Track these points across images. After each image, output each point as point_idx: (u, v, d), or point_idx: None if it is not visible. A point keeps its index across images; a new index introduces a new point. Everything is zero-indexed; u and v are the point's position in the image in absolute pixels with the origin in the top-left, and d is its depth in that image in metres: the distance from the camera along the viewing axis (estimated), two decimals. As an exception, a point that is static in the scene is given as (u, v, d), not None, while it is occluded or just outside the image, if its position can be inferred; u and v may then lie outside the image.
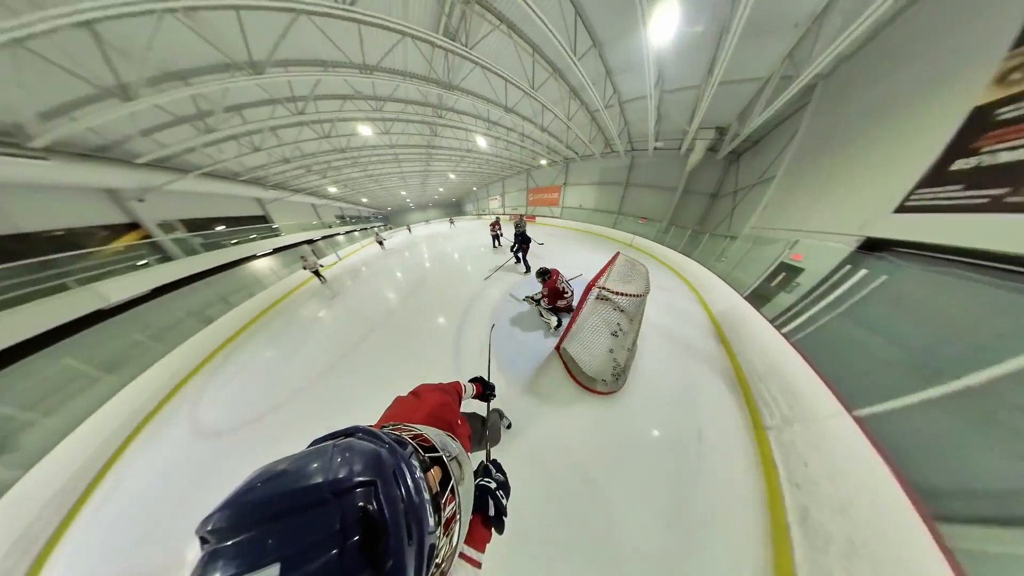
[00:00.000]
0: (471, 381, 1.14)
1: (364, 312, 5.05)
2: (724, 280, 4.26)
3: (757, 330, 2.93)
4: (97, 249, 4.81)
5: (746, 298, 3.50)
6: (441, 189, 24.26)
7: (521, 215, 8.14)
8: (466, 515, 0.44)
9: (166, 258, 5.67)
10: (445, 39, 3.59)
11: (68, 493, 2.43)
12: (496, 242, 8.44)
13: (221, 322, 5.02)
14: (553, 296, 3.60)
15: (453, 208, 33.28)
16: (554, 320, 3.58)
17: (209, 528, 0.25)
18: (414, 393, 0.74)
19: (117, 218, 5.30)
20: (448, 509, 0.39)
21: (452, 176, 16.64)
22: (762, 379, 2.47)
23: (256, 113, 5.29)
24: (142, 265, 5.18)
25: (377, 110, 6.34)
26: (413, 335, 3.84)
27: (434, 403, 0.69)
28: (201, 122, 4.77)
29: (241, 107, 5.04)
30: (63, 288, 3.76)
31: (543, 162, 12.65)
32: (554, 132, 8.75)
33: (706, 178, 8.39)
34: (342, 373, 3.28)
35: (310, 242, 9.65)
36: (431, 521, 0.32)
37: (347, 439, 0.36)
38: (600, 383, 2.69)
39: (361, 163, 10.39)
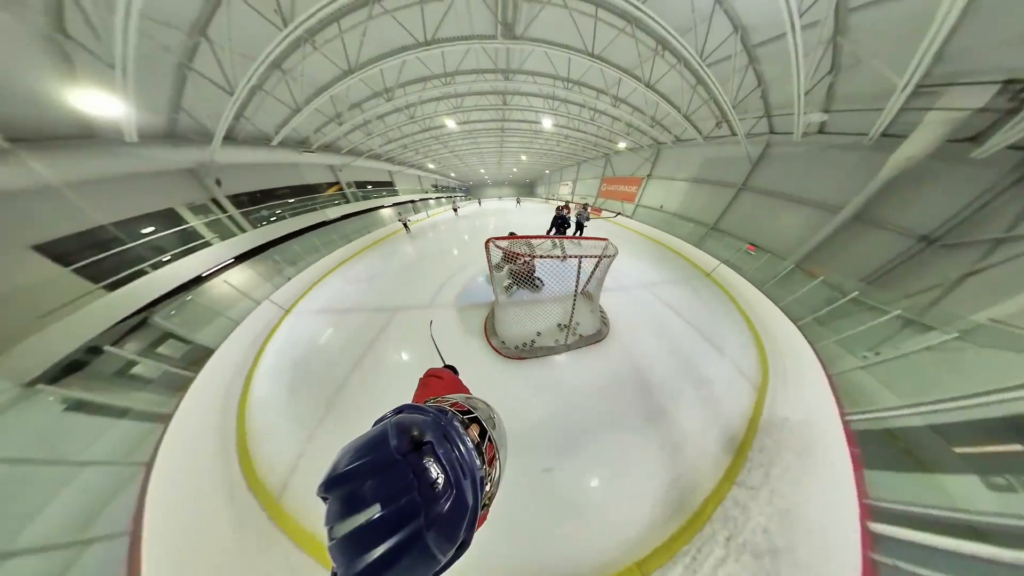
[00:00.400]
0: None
1: (429, 250, 8.39)
2: (831, 376, 2.64)
3: (817, 484, 1.78)
4: (331, 192, 10.01)
5: (848, 425, 2.05)
6: (515, 169, 25.77)
7: (585, 204, 7.77)
8: (503, 452, 0.55)
9: (346, 201, 10.64)
10: (503, 39, 4.45)
11: (303, 286, 6.58)
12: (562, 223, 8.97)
13: (360, 239, 9.44)
14: (508, 257, 3.98)
15: (526, 188, 34.54)
16: (506, 281, 4.08)
17: (324, 492, 0.37)
18: (434, 376, 0.96)
19: (330, 178, 10.35)
20: (488, 452, 0.50)
21: (524, 157, 18.27)
22: (735, 546, 1.57)
23: (390, 119, 8.82)
24: (337, 204, 10.13)
25: (459, 107, 8.91)
26: (451, 267, 6.57)
27: (452, 380, 0.95)
28: (365, 127, 8.63)
29: (383, 116, 8.60)
30: (313, 208, 8.56)
31: (621, 145, 10.99)
32: (636, 104, 7.43)
33: (928, 200, 4.04)
34: (410, 271, 6.60)
35: (412, 202, 14.16)
36: (478, 462, 0.43)
37: (399, 415, 0.46)
38: (498, 340, 3.27)
39: (450, 145, 13.73)
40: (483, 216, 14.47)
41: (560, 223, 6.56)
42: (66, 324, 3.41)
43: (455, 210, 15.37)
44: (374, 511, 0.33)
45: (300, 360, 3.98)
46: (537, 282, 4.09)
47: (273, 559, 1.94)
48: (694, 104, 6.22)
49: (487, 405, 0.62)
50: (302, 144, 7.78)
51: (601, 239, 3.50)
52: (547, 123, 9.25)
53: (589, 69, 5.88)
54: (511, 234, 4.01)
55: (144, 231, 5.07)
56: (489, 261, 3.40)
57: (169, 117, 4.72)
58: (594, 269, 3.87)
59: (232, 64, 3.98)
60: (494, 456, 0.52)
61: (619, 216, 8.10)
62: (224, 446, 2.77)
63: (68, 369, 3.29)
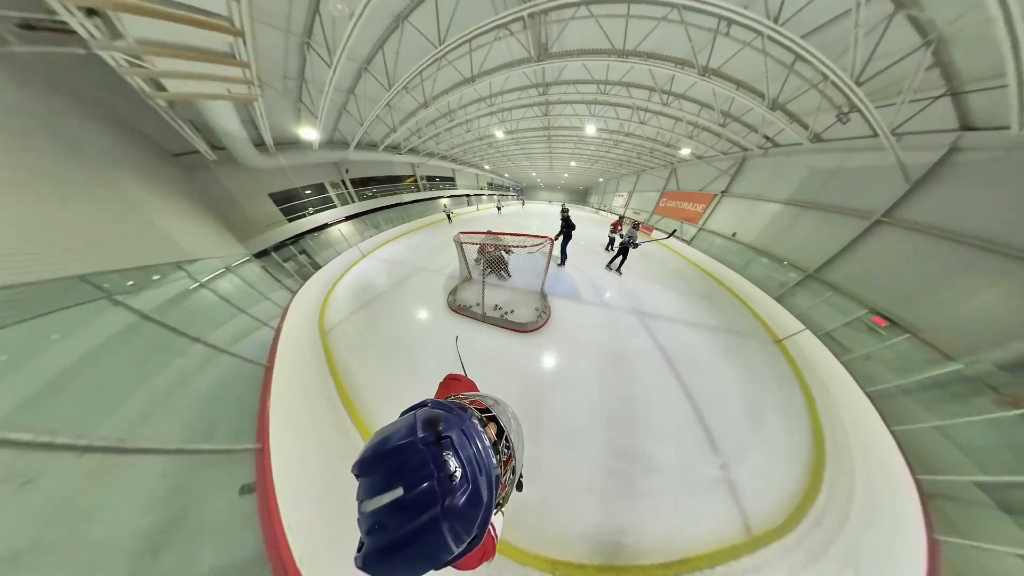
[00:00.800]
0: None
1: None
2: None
3: None
4: (408, 182, 13.74)
5: None
6: (566, 175, 25.71)
7: (636, 223, 6.72)
8: (520, 453, 0.57)
9: (417, 190, 14.29)
10: (536, 60, 5.03)
11: (377, 243, 9.89)
12: (610, 245, 8.33)
13: (420, 220, 12.75)
14: (480, 250, 5.48)
15: (578, 196, 33.32)
16: (482, 265, 5.42)
17: (357, 470, 0.41)
18: (454, 379, 1.04)
19: (409, 172, 14.09)
20: (505, 452, 0.53)
21: (573, 163, 19.30)
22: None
23: (454, 131, 11.72)
24: (410, 192, 13.80)
25: (507, 119, 11.15)
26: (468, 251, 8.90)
27: (468, 383, 1.02)
28: (436, 137, 11.76)
29: (448, 129, 11.55)
30: (396, 192, 12.24)
31: (685, 152, 9.29)
32: (701, 99, 6.19)
33: None
34: (440, 248, 9.53)
35: (467, 196, 17.25)
36: (494, 460, 0.46)
37: (424, 409, 0.49)
38: (451, 297, 4.87)
39: (502, 151, 16.19)
40: (522, 217, 16.30)
41: (565, 225, 6.97)
42: (270, 233, 7.03)
43: (498, 209, 17.74)
44: (397, 493, 0.36)
45: (362, 281, 6.87)
46: (503, 273, 5.55)
47: (319, 360, 4.23)
48: (792, 90, 4.40)
49: (504, 405, 0.63)
50: (395, 149, 11.33)
51: (545, 237, 4.27)
52: (590, 129, 9.31)
53: (631, 68, 5.30)
54: (488, 231, 5.10)
55: (307, 193, 8.99)
56: (459, 251, 5.09)
57: (331, 134, 8.37)
58: (547, 267, 4.69)
59: (363, 106, 7.08)
60: (510, 458, 0.55)
61: (674, 235, 6.65)
62: (316, 307, 5.61)
63: (263, 254, 6.81)
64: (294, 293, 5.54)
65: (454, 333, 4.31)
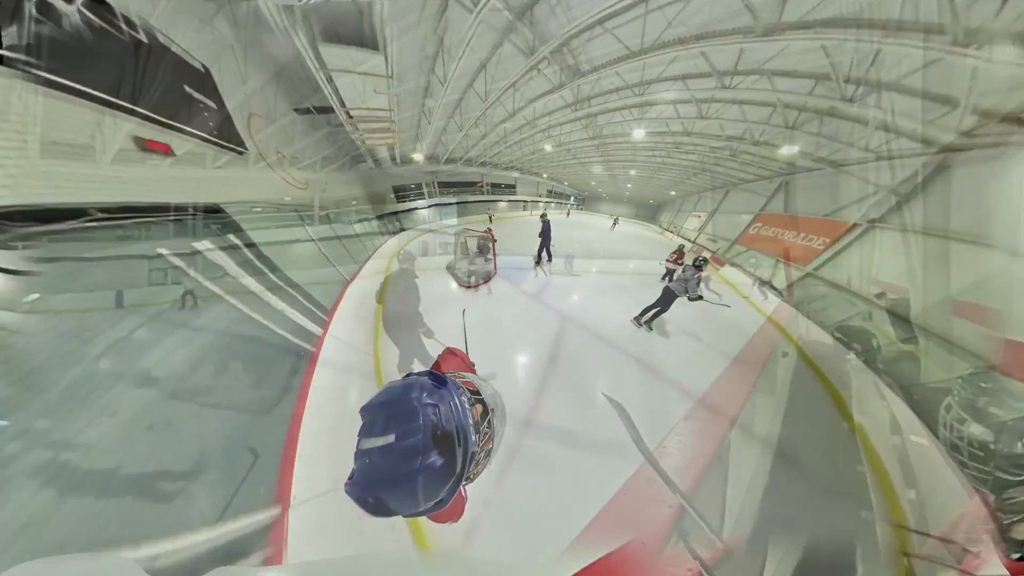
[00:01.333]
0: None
1: (496, 233, 14.69)
2: None
3: None
4: (476, 187, 18.58)
5: None
6: (629, 185, 23.70)
7: (702, 259, 4.63)
8: (499, 436, 0.64)
9: (483, 194, 18.89)
10: (560, 86, 5.75)
11: (441, 226, 14.63)
12: (668, 277, 6.99)
13: (473, 216, 17.12)
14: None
15: (648, 211, 28.78)
16: (475, 249, 7.72)
17: (362, 413, 0.49)
18: (452, 353, 1.15)
19: (478, 178, 18.77)
20: (485, 433, 0.60)
21: (633, 172, 19.80)
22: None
23: (516, 147, 15.44)
24: (478, 194, 18.48)
25: (554, 135, 14.07)
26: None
27: (464, 358, 1.14)
28: (497, 155, 15.79)
29: (508, 147, 15.32)
30: (469, 193, 17.16)
31: (789, 150, 6.18)
32: (797, 67, 4.35)
33: None
34: None
35: (524, 202, 20.79)
36: (473, 437, 0.52)
37: (425, 377, 0.56)
38: (449, 262, 8.59)
39: (556, 161, 18.91)
40: (560, 227, 18.35)
41: (544, 230, 8.14)
42: (387, 207, 12.44)
43: (541, 217, 20.26)
44: (390, 439, 0.44)
45: (423, 244, 11.39)
46: (489, 256, 8.75)
47: (384, 267, 8.65)
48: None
49: (495, 392, 0.70)
50: (469, 163, 15.99)
51: (487, 232, 7.34)
52: (639, 134, 8.49)
53: (675, 58, 4.46)
54: (487, 230, 7.71)
55: (411, 187, 14.46)
56: (458, 244, 8.65)
57: (430, 153, 13.47)
58: (492, 253, 8.01)
59: (449, 139, 11.57)
60: (488, 439, 0.61)
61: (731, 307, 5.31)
62: (395, 247, 10.22)
63: (380, 216, 12.11)
64: (388, 238, 10.38)
65: (445, 278, 7.89)
